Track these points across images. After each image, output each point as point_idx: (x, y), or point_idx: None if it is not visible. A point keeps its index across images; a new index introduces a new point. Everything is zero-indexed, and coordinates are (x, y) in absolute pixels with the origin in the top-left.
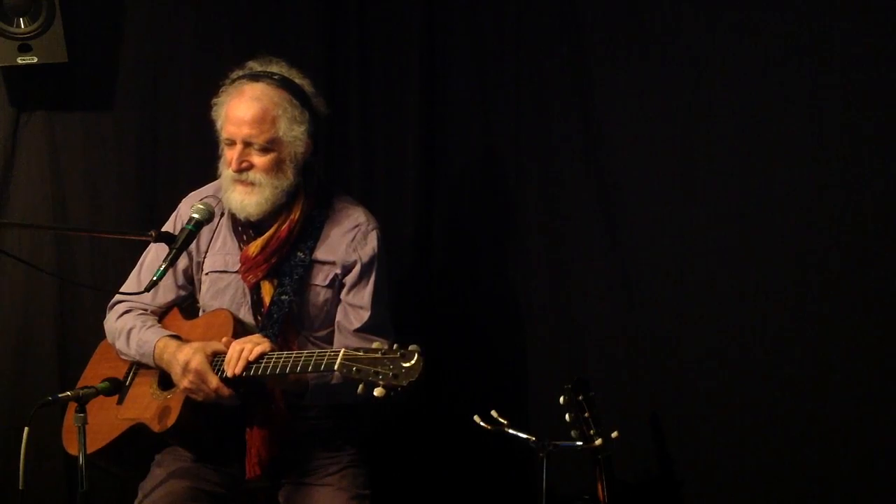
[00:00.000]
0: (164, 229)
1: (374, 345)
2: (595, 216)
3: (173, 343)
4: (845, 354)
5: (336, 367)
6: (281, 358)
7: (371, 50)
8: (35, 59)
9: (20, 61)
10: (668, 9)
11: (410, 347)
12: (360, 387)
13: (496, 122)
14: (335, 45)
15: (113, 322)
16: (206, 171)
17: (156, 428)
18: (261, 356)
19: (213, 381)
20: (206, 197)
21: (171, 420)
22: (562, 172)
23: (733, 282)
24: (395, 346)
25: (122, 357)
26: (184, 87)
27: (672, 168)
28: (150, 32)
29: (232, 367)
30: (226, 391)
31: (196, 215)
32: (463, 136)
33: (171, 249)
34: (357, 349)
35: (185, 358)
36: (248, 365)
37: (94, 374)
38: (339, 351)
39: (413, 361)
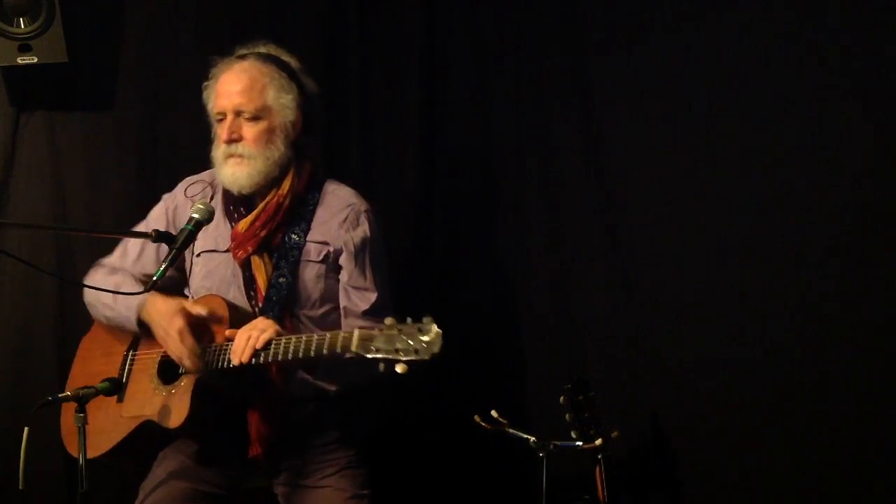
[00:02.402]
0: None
1: (387, 321)
2: (595, 216)
3: (160, 299)
4: (845, 354)
5: (353, 347)
6: (291, 342)
7: (371, 50)
8: (35, 59)
9: (20, 61)
10: (668, 9)
11: (425, 320)
12: (382, 365)
13: (496, 122)
14: (335, 45)
15: (102, 277)
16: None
17: (167, 424)
18: (268, 343)
19: (189, 341)
20: (195, 182)
21: (182, 415)
22: (562, 172)
23: (733, 282)
24: (408, 319)
25: (102, 319)
26: (184, 87)
27: (672, 168)
28: (150, 32)
29: (238, 355)
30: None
31: (196, 215)
32: (463, 136)
33: (170, 249)
34: (371, 327)
35: (167, 322)
36: (256, 353)
37: (83, 372)
38: (353, 331)
39: (432, 335)
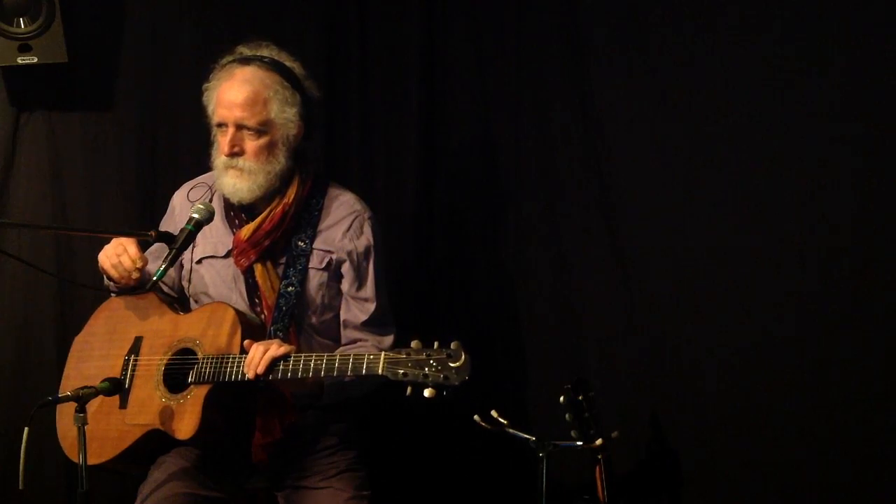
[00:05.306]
0: (161, 227)
1: (414, 344)
2: (595, 216)
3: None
4: (846, 354)
5: (380, 370)
6: (311, 360)
7: (371, 51)
8: (35, 59)
9: (20, 61)
10: (668, 9)
11: (453, 346)
12: (409, 389)
13: (496, 122)
14: (335, 45)
15: None
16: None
17: (177, 435)
18: (286, 357)
19: (133, 250)
20: (197, 186)
21: (192, 426)
22: (562, 172)
23: (734, 281)
24: (435, 344)
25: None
26: (184, 87)
27: (672, 168)
28: (151, 32)
29: (253, 368)
30: (141, 262)
31: (196, 215)
32: (463, 136)
33: (170, 249)
34: (399, 351)
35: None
36: (275, 366)
37: (78, 374)
38: (380, 354)
39: (461, 361)
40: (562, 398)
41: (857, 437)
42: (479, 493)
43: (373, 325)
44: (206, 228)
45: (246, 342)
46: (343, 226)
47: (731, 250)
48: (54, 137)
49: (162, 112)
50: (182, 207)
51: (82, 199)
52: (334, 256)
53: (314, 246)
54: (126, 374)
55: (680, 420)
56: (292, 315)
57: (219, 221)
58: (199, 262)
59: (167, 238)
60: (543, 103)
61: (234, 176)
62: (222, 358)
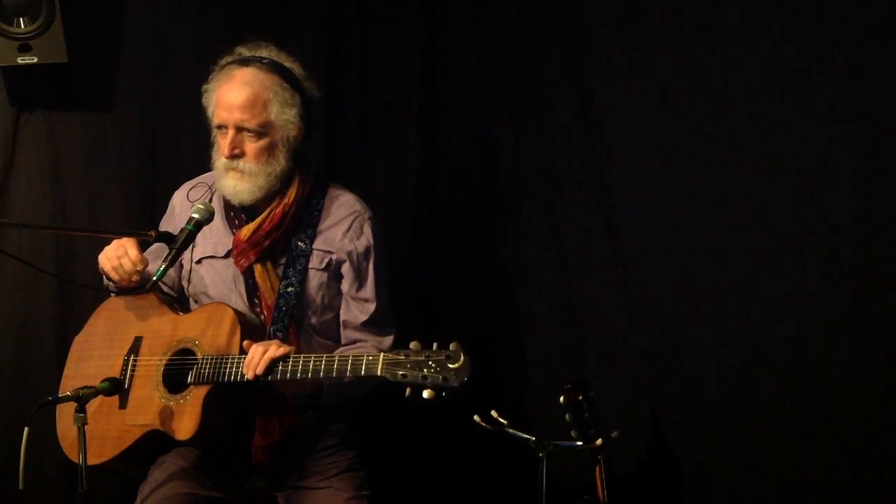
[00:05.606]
0: (161, 227)
1: (413, 345)
2: (595, 216)
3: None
4: (846, 354)
5: (379, 371)
6: (310, 361)
7: (371, 50)
8: (35, 59)
9: (20, 61)
10: (668, 9)
11: (452, 347)
12: (408, 390)
13: (496, 122)
14: (335, 45)
15: None
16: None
17: (176, 435)
18: (285, 358)
19: (133, 252)
20: (196, 186)
21: (192, 427)
22: (562, 172)
23: (734, 281)
24: (434, 345)
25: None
26: (184, 87)
27: (672, 168)
28: (151, 32)
29: (253, 368)
30: (142, 265)
31: (196, 215)
32: (463, 136)
33: (170, 249)
34: (398, 352)
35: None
36: (274, 367)
37: (78, 373)
38: (379, 355)
39: (461, 362)
40: (562, 398)
41: (857, 437)
42: (479, 493)
43: (372, 325)
44: (205, 228)
45: (245, 343)
46: (343, 226)
47: (731, 250)
48: (54, 137)
49: (162, 112)
50: (182, 207)
51: (82, 199)
52: (334, 257)
53: (314, 246)
54: (126, 374)
55: (680, 420)
56: (292, 315)
57: (219, 221)
58: (199, 262)
59: (167, 238)
60: (543, 103)
61: (235, 178)
62: (222, 358)
